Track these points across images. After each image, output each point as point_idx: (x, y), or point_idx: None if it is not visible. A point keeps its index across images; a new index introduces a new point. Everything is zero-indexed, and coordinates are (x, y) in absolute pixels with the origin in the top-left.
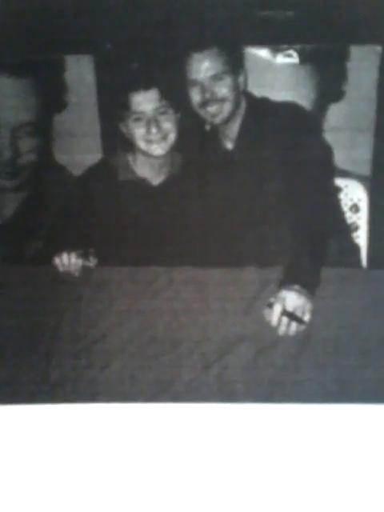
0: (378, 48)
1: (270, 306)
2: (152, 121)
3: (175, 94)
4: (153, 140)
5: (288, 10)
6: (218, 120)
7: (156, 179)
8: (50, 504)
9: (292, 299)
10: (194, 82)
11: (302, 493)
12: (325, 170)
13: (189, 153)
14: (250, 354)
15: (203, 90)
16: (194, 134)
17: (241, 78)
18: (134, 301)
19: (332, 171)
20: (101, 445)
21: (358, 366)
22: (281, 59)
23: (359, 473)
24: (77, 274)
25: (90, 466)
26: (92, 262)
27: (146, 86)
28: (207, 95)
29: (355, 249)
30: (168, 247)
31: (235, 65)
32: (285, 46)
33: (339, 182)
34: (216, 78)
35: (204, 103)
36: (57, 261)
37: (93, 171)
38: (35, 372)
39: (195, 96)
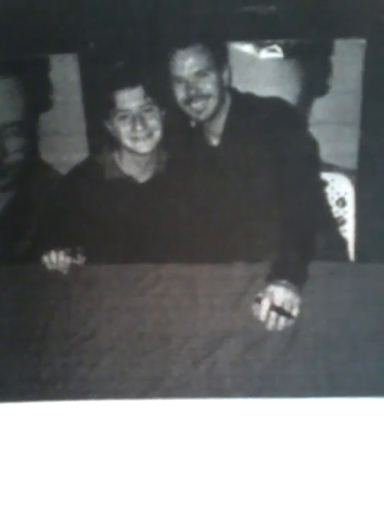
0: (362, 41)
1: (259, 301)
2: (137, 118)
3: (160, 91)
4: (138, 137)
5: (270, 5)
6: (203, 116)
7: (142, 176)
8: (43, 501)
9: (280, 294)
10: (179, 79)
11: (294, 487)
12: (311, 165)
13: (175, 149)
14: (239, 349)
15: (188, 86)
16: (180, 130)
17: (225, 74)
18: (122, 298)
19: (318, 165)
20: (92, 442)
21: (348, 359)
22: (265, 54)
23: (351, 466)
24: (65, 272)
25: (82, 463)
26: (80, 259)
27: (131, 84)
28: (192, 92)
29: (342, 243)
30: (156, 244)
31: (219, 61)
32: (269, 41)
33: (325, 176)
34: (200, 74)
35: (189, 100)
36: (45, 259)
37: (79, 170)
38: (26, 370)
39: (180, 93)
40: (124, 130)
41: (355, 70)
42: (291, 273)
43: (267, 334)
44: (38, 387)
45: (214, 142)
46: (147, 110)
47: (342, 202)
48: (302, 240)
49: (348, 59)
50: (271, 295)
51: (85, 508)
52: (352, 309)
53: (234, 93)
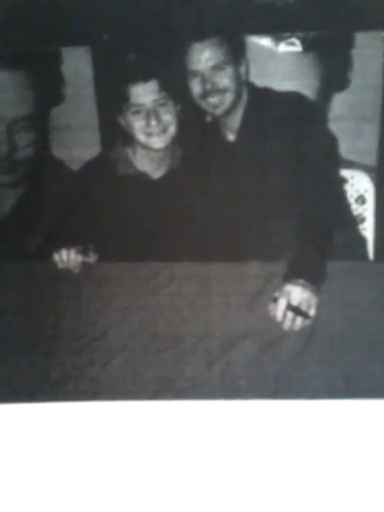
0: None
1: (275, 300)
2: (151, 113)
3: (175, 85)
4: (152, 133)
5: None
6: (219, 111)
7: (156, 173)
8: (52, 502)
9: (297, 293)
10: (195, 73)
11: (307, 489)
12: (329, 161)
13: (190, 145)
14: (255, 350)
15: (204, 80)
16: (195, 126)
17: (242, 68)
18: (135, 297)
19: (337, 162)
20: (103, 443)
21: (365, 361)
22: (283, 48)
23: (366, 469)
24: (76, 270)
25: (92, 464)
26: (92, 257)
27: (145, 78)
28: (208, 86)
29: (361, 241)
30: (169, 242)
31: (236, 54)
32: (287, 34)
33: (344, 173)
34: (217, 68)
35: (205, 94)
36: (56, 257)
37: (91, 166)
38: (36, 370)
39: (196, 87)
40: (138, 125)
41: (376, 64)
42: (308, 272)
43: (283, 334)
44: (48, 388)
45: (231, 137)
46: (162, 105)
47: (361, 200)
48: (320, 238)
49: (369, 53)
50: (288, 295)
51: (96, 508)
52: (370, 309)
53: (252, 87)
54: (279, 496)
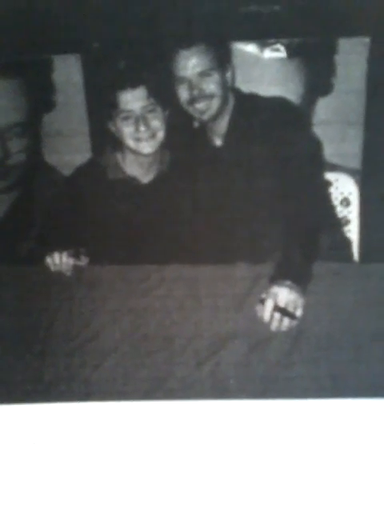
0: (366, 40)
1: (262, 301)
2: (140, 119)
3: (163, 91)
4: (141, 138)
5: (274, 4)
6: (206, 117)
7: (145, 177)
8: (47, 502)
9: (284, 295)
10: (182, 79)
11: (297, 488)
12: (315, 165)
13: (178, 150)
14: (243, 350)
15: (191, 86)
16: (183, 131)
17: (228, 74)
18: (126, 299)
19: (322, 165)
20: (96, 443)
21: (351, 360)
22: (268, 54)
23: (354, 467)
24: (68, 273)
25: (86, 464)
26: (83, 261)
27: (134, 85)
28: (195, 92)
29: (347, 243)
30: (159, 245)
31: (222, 60)
32: (272, 41)
33: (329, 175)
34: (204, 74)
35: (192, 100)
36: (48, 260)
37: (82, 171)
38: (29, 371)
39: (183, 93)
40: (127, 130)
41: (359, 69)
42: (295, 273)
43: (271, 334)
44: (41, 388)
45: (218, 142)
46: (150, 111)
47: (346, 202)
48: (306, 240)
49: (352, 58)
50: (275, 296)
51: (88, 509)
52: (356, 309)
53: (238, 93)
54: (269, 494)
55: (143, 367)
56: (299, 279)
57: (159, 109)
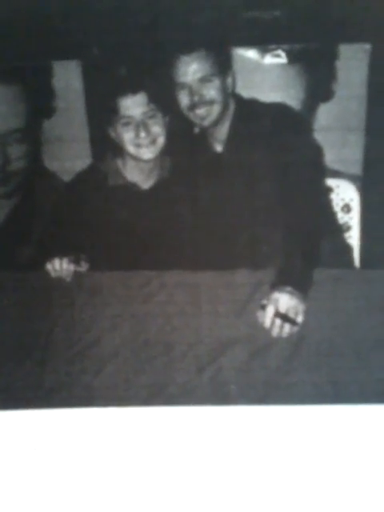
0: (367, 46)
1: (263, 307)
2: (141, 125)
3: (163, 97)
4: (142, 144)
5: (275, 10)
6: (206, 122)
7: (146, 183)
8: (48, 508)
9: (285, 301)
10: (182, 85)
11: (298, 494)
12: (315, 171)
13: (178, 156)
14: (244, 356)
15: (191, 92)
16: (183, 137)
17: (229, 80)
18: (126, 305)
19: (323, 171)
20: (97, 449)
21: (352, 366)
22: (269, 60)
23: (355, 473)
24: (69, 279)
25: (87, 470)
26: (84, 267)
27: (134, 90)
28: (195, 98)
29: (347, 249)
30: (159, 251)
31: (223, 66)
32: (273, 47)
33: (330, 182)
34: (204, 80)
35: (192, 106)
36: (49, 266)
37: (82, 177)
38: (29, 377)
39: (183, 99)
40: (127, 136)
41: (360, 75)
42: (296, 279)
43: (272, 340)
44: (41, 394)
45: (218, 148)
46: (150, 117)
47: (347, 209)
48: (307, 246)
49: (353, 64)
50: (276, 302)
51: None
52: (357, 316)
53: (238, 98)
54: (269, 500)
55: (144, 373)
56: (300, 285)
57: (160, 115)
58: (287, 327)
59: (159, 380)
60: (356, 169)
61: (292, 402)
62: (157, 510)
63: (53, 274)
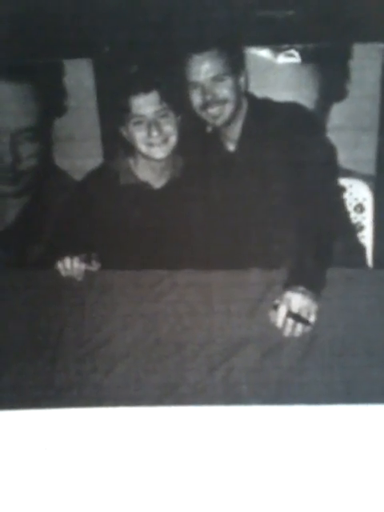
0: (381, 45)
1: (275, 307)
2: (153, 124)
3: (176, 96)
4: (154, 143)
5: (288, 9)
6: (219, 122)
7: (158, 182)
8: (57, 507)
9: (297, 300)
10: (195, 84)
11: (308, 494)
12: (328, 170)
13: (190, 155)
14: (256, 356)
15: (204, 91)
16: (196, 136)
17: (242, 79)
18: (137, 304)
19: (336, 171)
20: (107, 449)
21: (365, 366)
22: (282, 59)
23: (367, 474)
24: (80, 278)
25: (96, 470)
26: (95, 266)
27: (146, 89)
28: (208, 97)
29: (360, 249)
30: (171, 250)
31: (236, 65)
32: (286, 46)
33: (343, 181)
34: (217, 79)
35: (205, 105)
36: (59, 265)
37: (94, 175)
38: (40, 377)
39: (196, 98)
40: (139, 135)
41: (374, 75)
42: (308, 279)
43: (284, 340)
44: (52, 394)
45: (231, 147)
46: (163, 116)
47: (360, 208)
48: (320, 246)
49: (366, 64)
50: (288, 302)
51: None
52: (369, 315)
53: (251, 98)
54: (280, 500)
55: (155, 373)
56: (313, 285)
57: (172, 114)
58: (299, 327)
59: (170, 380)
60: (369, 168)
61: (304, 401)
62: (167, 510)
63: (63, 273)
